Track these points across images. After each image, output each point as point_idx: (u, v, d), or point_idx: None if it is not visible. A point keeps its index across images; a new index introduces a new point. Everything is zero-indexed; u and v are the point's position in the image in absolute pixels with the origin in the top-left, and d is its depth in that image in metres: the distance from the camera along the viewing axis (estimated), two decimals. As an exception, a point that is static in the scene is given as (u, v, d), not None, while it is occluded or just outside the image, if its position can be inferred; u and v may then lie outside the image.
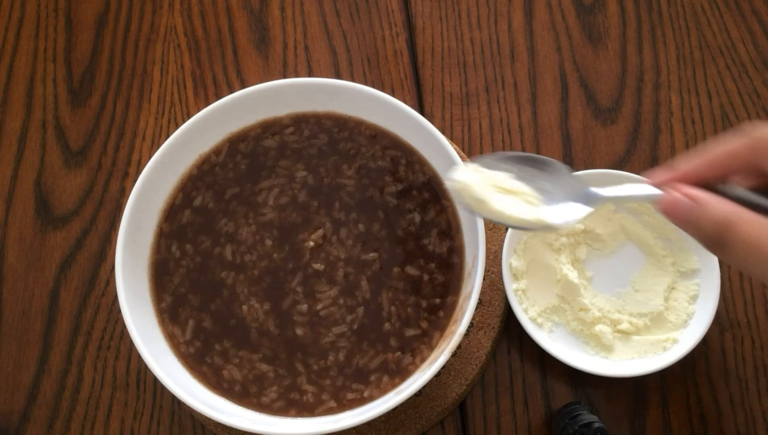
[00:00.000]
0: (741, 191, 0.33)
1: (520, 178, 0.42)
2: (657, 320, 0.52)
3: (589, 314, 0.52)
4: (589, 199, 0.40)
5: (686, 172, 0.34)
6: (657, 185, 0.35)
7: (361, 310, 0.49)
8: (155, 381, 0.55)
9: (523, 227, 0.40)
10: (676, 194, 0.34)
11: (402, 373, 0.47)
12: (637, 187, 0.37)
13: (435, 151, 0.51)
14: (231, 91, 0.54)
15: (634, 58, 0.64)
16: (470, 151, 0.62)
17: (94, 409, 0.55)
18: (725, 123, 0.62)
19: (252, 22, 0.68)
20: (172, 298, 0.50)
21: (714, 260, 0.52)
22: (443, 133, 0.51)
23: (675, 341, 0.51)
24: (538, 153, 0.61)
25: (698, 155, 0.34)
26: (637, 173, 0.54)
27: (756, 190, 0.34)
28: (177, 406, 0.55)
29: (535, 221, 0.40)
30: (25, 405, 0.55)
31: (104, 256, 0.60)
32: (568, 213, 0.40)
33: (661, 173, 0.35)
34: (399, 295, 0.49)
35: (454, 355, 0.49)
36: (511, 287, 0.52)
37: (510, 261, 0.53)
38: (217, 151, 0.54)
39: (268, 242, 0.51)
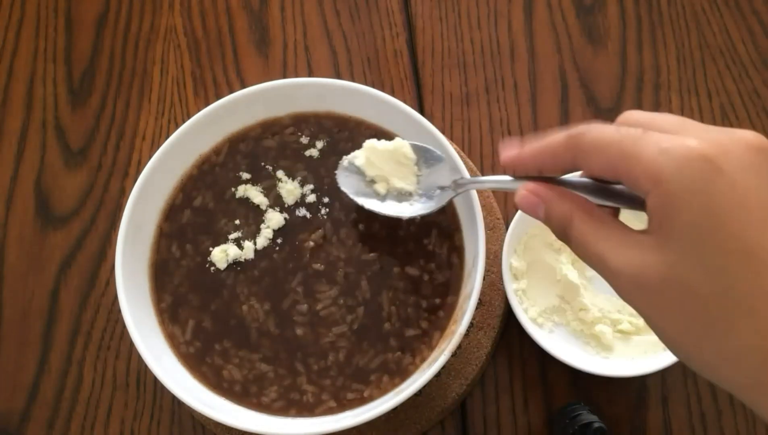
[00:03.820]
0: (588, 183, 0.36)
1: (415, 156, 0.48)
2: (657, 320, 0.52)
3: (589, 314, 0.52)
4: (457, 186, 0.45)
5: (525, 158, 0.37)
6: (505, 163, 0.37)
7: (361, 310, 0.49)
8: (155, 381, 0.55)
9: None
10: (524, 192, 0.36)
11: (402, 373, 0.47)
12: (499, 179, 0.40)
13: (435, 151, 0.51)
14: (231, 91, 0.54)
15: (634, 58, 0.64)
16: (470, 151, 0.62)
17: (94, 409, 0.55)
18: (725, 123, 0.62)
19: (252, 22, 0.68)
20: (172, 298, 0.50)
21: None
22: (443, 133, 0.51)
23: (675, 341, 0.51)
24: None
25: (537, 141, 0.36)
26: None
27: (607, 182, 0.36)
28: (177, 406, 0.55)
29: (390, 214, 0.47)
30: (25, 405, 0.55)
31: (104, 256, 0.60)
32: (430, 203, 0.47)
33: (510, 148, 0.37)
34: (399, 295, 0.49)
35: (454, 355, 0.49)
36: (511, 287, 0.52)
37: (510, 261, 0.53)
38: (217, 151, 0.54)
39: (268, 242, 0.51)
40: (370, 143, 0.48)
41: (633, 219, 0.47)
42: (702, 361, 0.31)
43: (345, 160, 0.49)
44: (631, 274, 0.31)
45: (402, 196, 0.48)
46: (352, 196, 0.48)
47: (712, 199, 0.29)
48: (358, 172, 0.48)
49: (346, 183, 0.48)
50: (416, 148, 0.48)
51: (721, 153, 0.29)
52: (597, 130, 0.33)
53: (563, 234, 0.35)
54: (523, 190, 0.36)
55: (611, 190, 0.35)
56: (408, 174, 0.48)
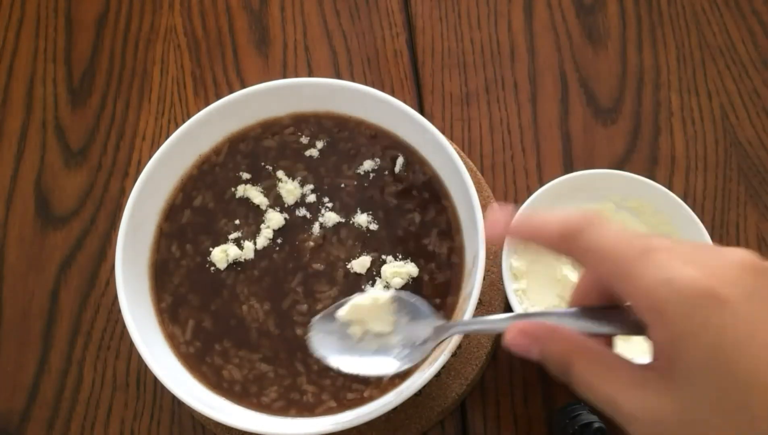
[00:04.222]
0: (579, 322, 0.34)
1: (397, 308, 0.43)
2: (657, 320, 0.52)
3: (589, 314, 0.52)
4: (440, 331, 0.41)
5: (517, 229, 0.35)
6: (490, 228, 0.36)
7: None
8: (155, 381, 0.55)
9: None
10: (514, 334, 0.34)
11: (402, 373, 0.47)
12: (485, 320, 0.38)
13: (435, 151, 0.51)
14: (231, 91, 0.54)
15: (634, 58, 0.64)
16: (470, 151, 0.62)
17: (94, 409, 0.55)
18: (725, 123, 0.62)
19: (252, 22, 0.68)
20: (172, 298, 0.50)
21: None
22: (443, 133, 0.51)
23: (675, 341, 0.51)
24: (539, 153, 0.61)
25: (531, 218, 0.35)
26: (638, 173, 0.54)
27: (598, 308, 0.34)
28: (177, 406, 0.55)
29: (372, 374, 0.42)
30: (25, 405, 0.55)
31: (104, 256, 0.60)
32: (415, 355, 0.42)
33: (498, 215, 0.36)
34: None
35: (454, 355, 0.49)
36: (511, 287, 0.52)
37: (510, 261, 0.53)
38: (217, 151, 0.54)
39: (268, 242, 0.51)
40: (355, 301, 0.44)
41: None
42: None
43: (316, 318, 0.44)
44: (648, 419, 0.30)
45: (382, 347, 0.43)
46: (329, 360, 0.43)
47: (721, 335, 0.28)
48: (331, 322, 0.44)
49: (321, 345, 0.43)
50: (396, 298, 0.44)
51: (722, 283, 0.28)
52: (597, 233, 0.31)
53: (564, 375, 0.33)
54: (512, 332, 0.34)
55: (603, 318, 0.34)
56: (384, 314, 0.44)
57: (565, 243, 0.32)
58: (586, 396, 0.32)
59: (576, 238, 0.31)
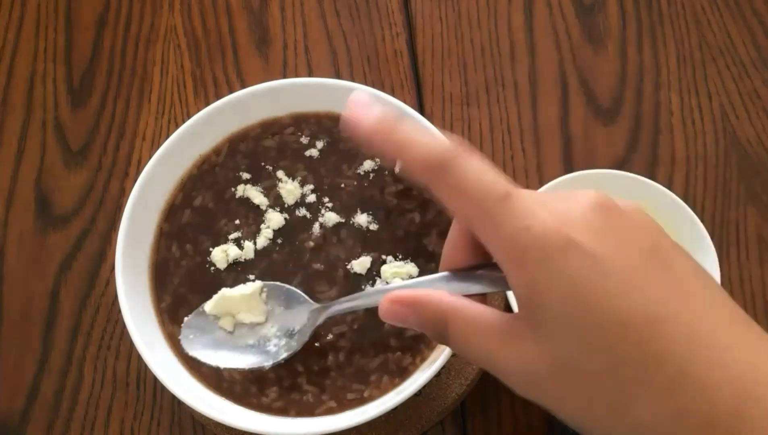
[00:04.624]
0: (450, 285, 0.34)
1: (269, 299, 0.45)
2: (657, 320, 0.52)
3: (589, 314, 0.52)
4: (316, 314, 0.44)
5: (382, 134, 0.32)
6: (351, 124, 0.33)
7: (361, 310, 0.49)
8: (155, 381, 0.55)
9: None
10: (387, 305, 0.33)
11: (402, 373, 0.47)
12: (360, 296, 0.40)
13: (435, 151, 0.51)
14: (231, 91, 0.54)
15: (634, 58, 0.64)
16: (470, 151, 0.62)
17: (94, 410, 0.55)
18: (725, 123, 0.62)
19: (252, 22, 0.68)
20: (172, 298, 0.50)
21: (714, 262, 0.52)
22: (443, 133, 0.51)
23: (675, 341, 0.51)
24: (539, 153, 0.61)
25: (399, 128, 0.32)
26: (638, 173, 0.54)
27: (467, 269, 0.34)
28: (177, 406, 0.55)
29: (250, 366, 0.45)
30: (25, 405, 0.55)
31: (104, 256, 0.60)
32: (291, 343, 0.44)
33: (362, 110, 0.33)
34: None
35: (454, 355, 0.49)
36: (511, 287, 0.52)
37: (510, 261, 0.53)
38: (217, 151, 0.54)
39: (268, 242, 0.51)
40: (222, 293, 0.45)
41: None
42: None
43: (187, 318, 0.46)
44: (522, 371, 0.30)
45: (260, 339, 0.45)
46: (202, 358, 0.44)
47: (576, 279, 0.28)
48: (204, 318, 0.45)
49: (193, 344, 0.45)
50: (271, 287, 0.45)
51: (574, 226, 0.28)
52: (463, 169, 0.29)
53: (441, 338, 0.32)
54: (386, 302, 0.33)
55: (473, 278, 0.33)
56: (255, 304, 0.45)
57: (428, 174, 0.30)
58: (465, 356, 0.32)
59: (441, 170, 0.30)
